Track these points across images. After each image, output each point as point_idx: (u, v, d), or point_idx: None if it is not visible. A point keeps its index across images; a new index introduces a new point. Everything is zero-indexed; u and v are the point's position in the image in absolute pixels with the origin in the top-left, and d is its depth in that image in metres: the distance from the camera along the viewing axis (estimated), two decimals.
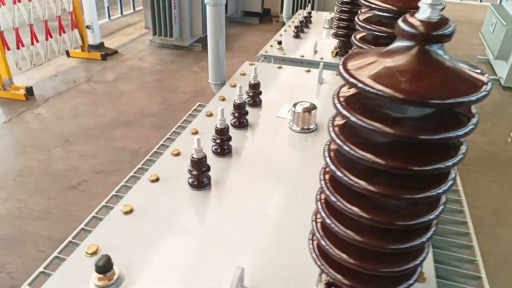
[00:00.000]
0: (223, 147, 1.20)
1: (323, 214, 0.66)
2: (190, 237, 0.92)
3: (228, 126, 1.19)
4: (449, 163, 0.56)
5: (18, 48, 4.04)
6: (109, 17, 5.33)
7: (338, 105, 0.58)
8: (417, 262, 0.65)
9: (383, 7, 0.95)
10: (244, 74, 1.76)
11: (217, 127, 1.17)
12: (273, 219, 0.97)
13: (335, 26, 2.45)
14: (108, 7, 5.25)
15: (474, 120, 0.56)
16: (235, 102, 1.32)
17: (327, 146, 0.65)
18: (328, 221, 0.65)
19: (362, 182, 0.58)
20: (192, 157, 1.03)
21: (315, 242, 0.71)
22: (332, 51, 2.56)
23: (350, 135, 0.59)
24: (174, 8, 5.02)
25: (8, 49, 3.93)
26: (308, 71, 1.85)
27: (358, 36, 1.01)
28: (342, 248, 0.65)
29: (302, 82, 1.75)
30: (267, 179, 1.11)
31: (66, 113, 3.59)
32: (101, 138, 3.18)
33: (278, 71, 1.86)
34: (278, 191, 1.08)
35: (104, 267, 0.75)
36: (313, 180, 0.74)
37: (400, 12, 0.95)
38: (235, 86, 1.61)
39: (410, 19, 0.54)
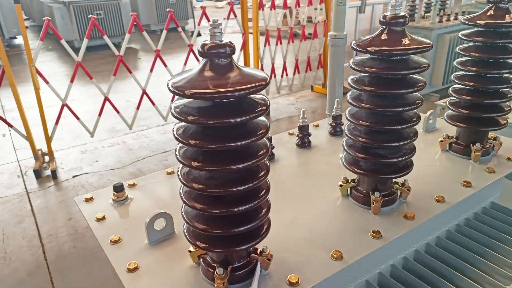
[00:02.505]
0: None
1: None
2: None
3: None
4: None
5: (271, 78, 5.15)
6: None
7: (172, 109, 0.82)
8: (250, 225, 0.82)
9: (369, 51, 1.03)
10: None
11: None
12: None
13: None
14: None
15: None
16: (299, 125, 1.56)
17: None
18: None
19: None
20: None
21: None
22: None
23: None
24: None
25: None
26: None
27: (350, 79, 1.10)
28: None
29: None
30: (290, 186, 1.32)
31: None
32: None
33: None
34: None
35: (117, 188, 1.23)
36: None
37: (386, 55, 1.01)
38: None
39: (203, 44, 0.76)
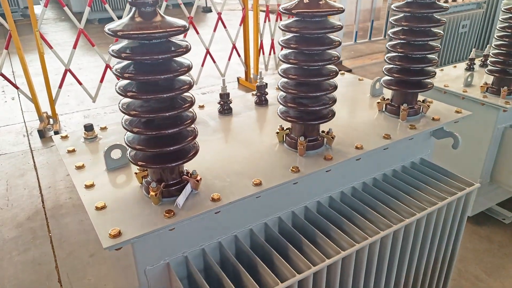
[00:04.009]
0: (224, 107, 1.67)
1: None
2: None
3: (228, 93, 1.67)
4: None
5: (270, 54, 5.30)
6: (355, 40, 6.00)
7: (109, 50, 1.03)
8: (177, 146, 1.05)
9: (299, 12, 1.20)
10: None
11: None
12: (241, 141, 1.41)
13: (491, 62, 2.28)
14: (356, 31, 5.93)
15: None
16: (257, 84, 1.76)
17: None
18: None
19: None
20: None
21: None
22: (482, 86, 2.36)
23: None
24: None
25: (263, 54, 5.24)
26: (361, 79, 1.96)
27: (282, 39, 1.28)
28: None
29: (354, 90, 1.90)
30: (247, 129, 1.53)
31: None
32: None
33: (340, 77, 2.07)
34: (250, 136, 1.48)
35: (87, 127, 1.45)
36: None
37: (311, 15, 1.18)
38: None
39: None
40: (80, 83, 4.12)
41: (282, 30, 1.24)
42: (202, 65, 4.73)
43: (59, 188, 3.19)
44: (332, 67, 1.27)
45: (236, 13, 9.14)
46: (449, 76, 2.63)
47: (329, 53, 1.24)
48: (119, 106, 1.05)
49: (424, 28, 1.45)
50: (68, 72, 3.98)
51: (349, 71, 5.69)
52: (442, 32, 1.48)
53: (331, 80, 1.27)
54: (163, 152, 1.06)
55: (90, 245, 2.53)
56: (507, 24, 2.15)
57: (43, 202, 3.02)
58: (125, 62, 1.00)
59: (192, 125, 1.10)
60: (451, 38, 5.04)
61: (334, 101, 1.32)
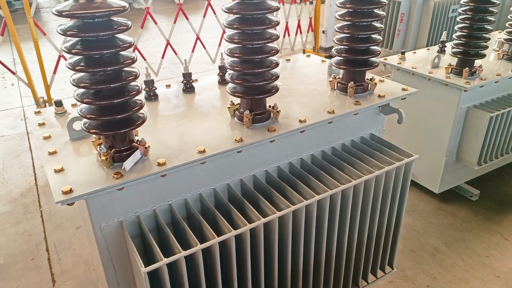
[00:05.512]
0: (187, 86, 1.80)
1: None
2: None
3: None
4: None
5: None
6: None
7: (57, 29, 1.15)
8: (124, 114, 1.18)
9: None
10: None
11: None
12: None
13: (454, 44, 2.38)
14: None
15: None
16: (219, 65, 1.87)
17: None
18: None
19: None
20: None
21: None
22: (447, 67, 2.46)
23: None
24: (400, 22, 5.22)
25: None
26: (324, 61, 2.07)
27: (226, 21, 1.39)
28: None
29: (315, 71, 2.01)
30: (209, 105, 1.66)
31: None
32: None
33: (305, 59, 2.18)
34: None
35: (57, 103, 1.59)
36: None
37: None
38: None
39: None
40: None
41: (225, 11, 1.35)
42: (193, 51, 4.84)
43: None
44: (273, 45, 1.39)
45: None
46: (420, 58, 2.72)
47: (269, 32, 1.36)
48: (70, 81, 1.18)
49: (367, 9, 1.55)
50: (62, 58, 4.12)
51: None
52: (384, 13, 1.58)
53: (272, 57, 1.39)
54: (111, 120, 1.19)
55: (76, 219, 2.70)
56: (468, 7, 2.23)
57: (36, 180, 3.19)
58: (73, 40, 1.12)
59: (139, 96, 1.23)
60: (441, 22, 5.08)
61: (276, 77, 1.44)
